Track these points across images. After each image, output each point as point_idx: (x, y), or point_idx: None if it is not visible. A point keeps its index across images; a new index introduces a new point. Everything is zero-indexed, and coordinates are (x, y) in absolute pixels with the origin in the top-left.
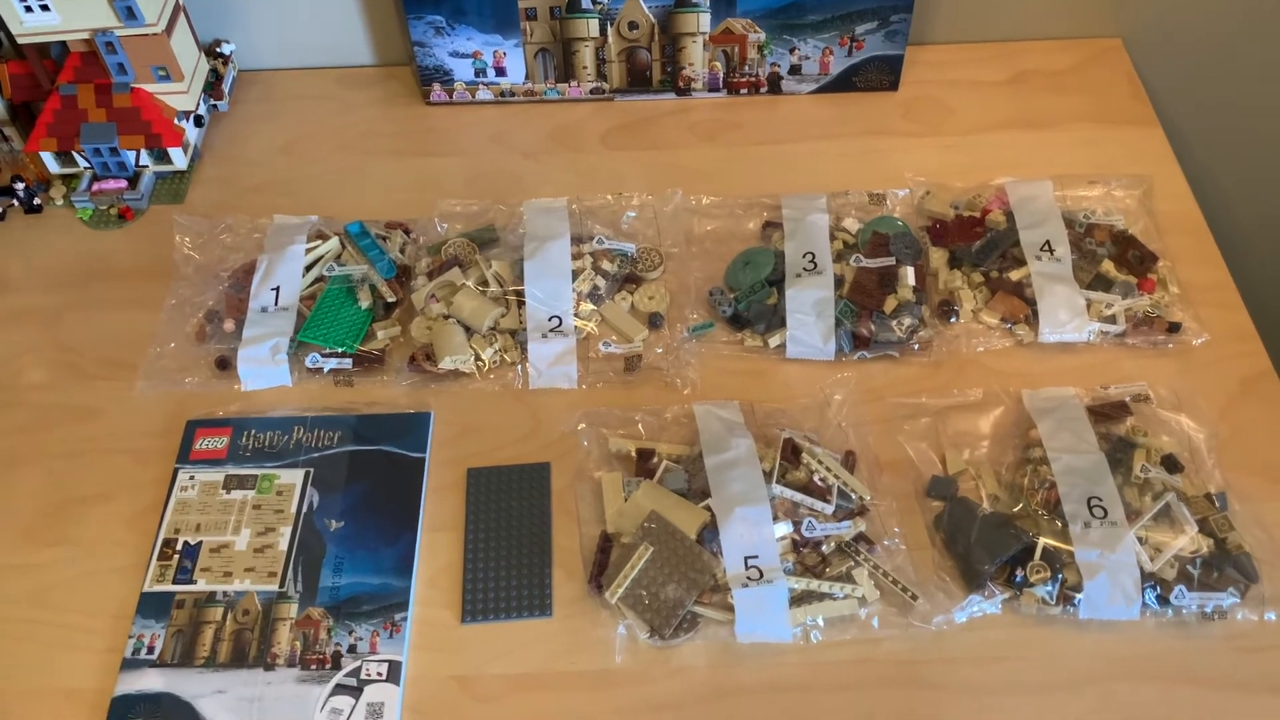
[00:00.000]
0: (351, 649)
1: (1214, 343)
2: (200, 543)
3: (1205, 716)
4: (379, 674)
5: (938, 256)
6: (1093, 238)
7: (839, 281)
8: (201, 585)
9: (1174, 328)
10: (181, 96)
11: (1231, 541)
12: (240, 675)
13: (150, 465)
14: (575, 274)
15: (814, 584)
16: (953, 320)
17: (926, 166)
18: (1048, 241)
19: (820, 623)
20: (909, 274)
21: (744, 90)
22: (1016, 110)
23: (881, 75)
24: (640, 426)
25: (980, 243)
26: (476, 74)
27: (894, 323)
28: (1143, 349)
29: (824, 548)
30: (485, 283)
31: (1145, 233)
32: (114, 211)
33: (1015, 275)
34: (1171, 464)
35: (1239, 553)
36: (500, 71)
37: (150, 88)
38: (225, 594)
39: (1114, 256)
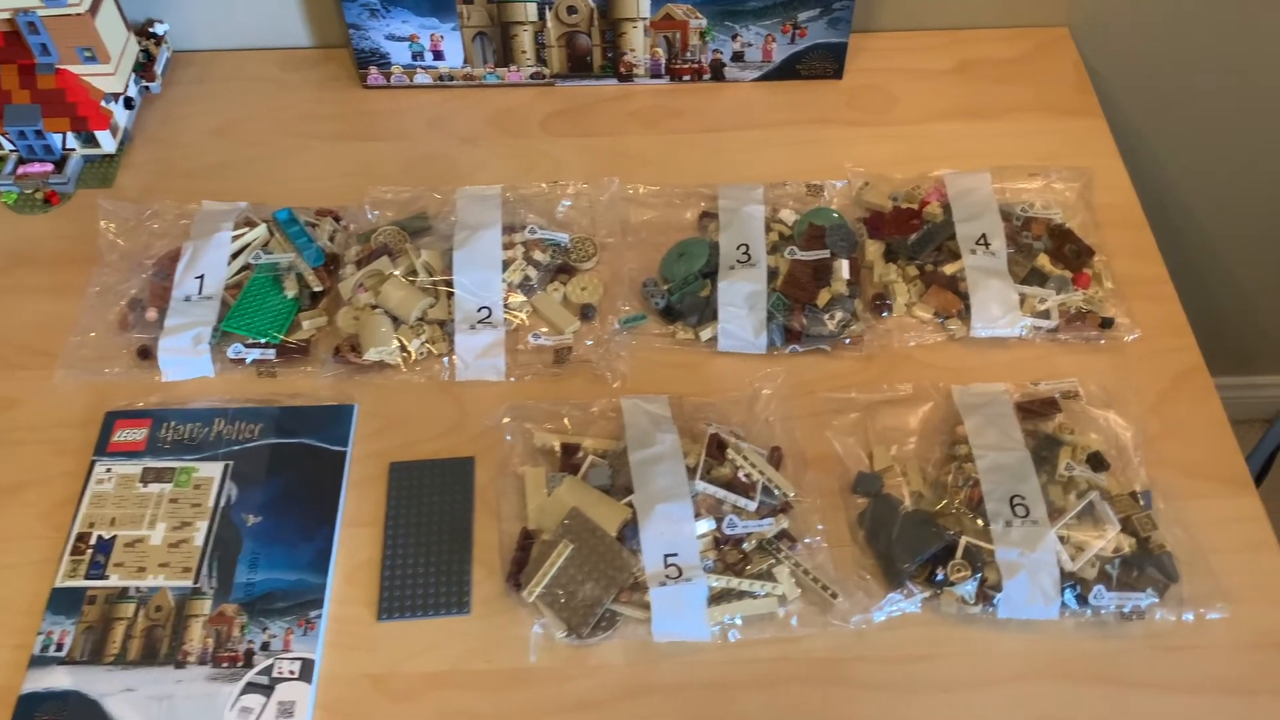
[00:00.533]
0: (264, 646)
1: (1147, 338)
2: (115, 537)
3: (1122, 715)
4: (291, 672)
5: (873, 249)
6: (1030, 231)
7: (773, 274)
8: (114, 581)
9: (1107, 323)
10: (108, 78)
11: (1154, 541)
12: (150, 673)
13: (67, 457)
14: (506, 264)
15: (734, 582)
16: (885, 314)
17: (868, 156)
18: (984, 235)
19: (738, 621)
20: (843, 267)
21: (687, 77)
22: (961, 100)
23: (825, 63)
24: (566, 420)
25: (916, 235)
26: (414, 57)
27: (826, 316)
28: (1076, 344)
29: (745, 545)
30: (415, 272)
31: (1083, 226)
32: (39, 196)
33: (949, 269)
34: (1097, 462)
35: (1160, 552)
36: (438, 55)
37: (76, 69)
38: (138, 590)
39: (1050, 251)
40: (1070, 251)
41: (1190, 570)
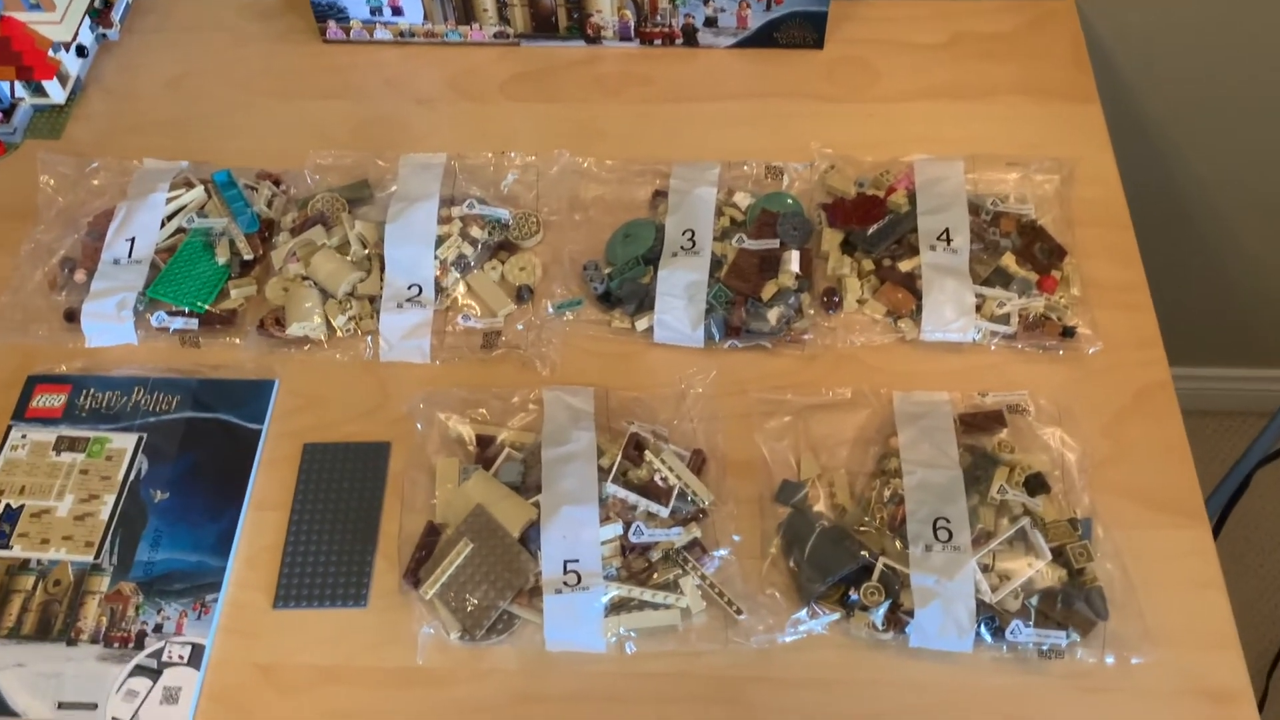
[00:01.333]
0: (158, 628)
1: (1112, 349)
2: (23, 506)
3: None
4: (180, 657)
5: (830, 239)
6: (998, 227)
7: (719, 263)
8: (17, 551)
9: (1068, 332)
10: (55, 27)
11: (1088, 573)
12: (42, 649)
13: None
14: (441, 240)
15: (636, 591)
16: (834, 311)
17: (840, 136)
18: (946, 230)
19: (634, 634)
20: (793, 258)
21: (658, 41)
22: (948, 77)
23: (804, 32)
24: (485, 410)
25: (876, 226)
26: (372, 12)
27: (769, 311)
28: (1033, 353)
29: (652, 554)
30: (349, 243)
31: (1057, 223)
32: None
33: (905, 265)
34: (1036, 484)
35: (1092, 586)
36: (396, 10)
37: (21, 16)
38: (39, 562)
39: (1018, 250)
40: (1040, 251)
41: (1121, 610)
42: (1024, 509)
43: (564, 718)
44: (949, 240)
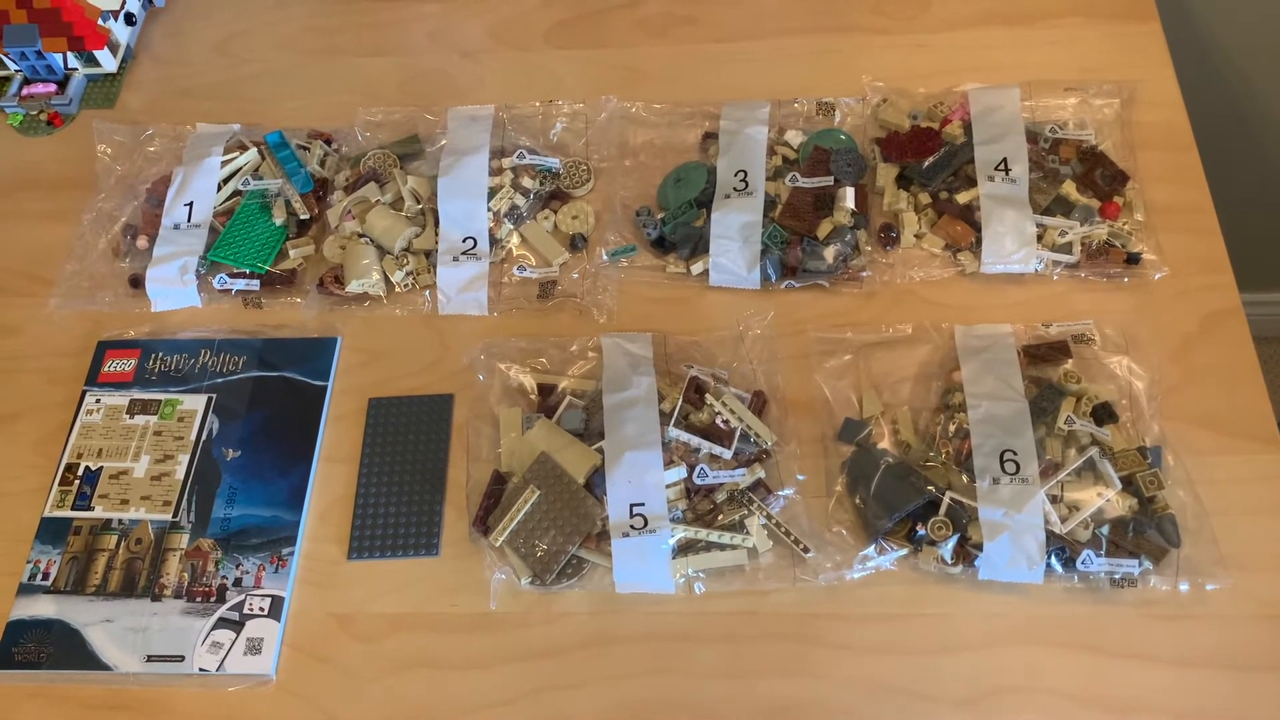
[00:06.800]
0: (237, 582)
1: (1179, 275)
2: (101, 468)
3: (1101, 686)
4: (261, 609)
5: (885, 173)
6: (1057, 155)
7: (773, 203)
8: (99, 512)
9: (1133, 258)
10: None
11: (1159, 501)
12: (128, 605)
13: (61, 386)
14: (493, 191)
15: (703, 533)
16: (892, 247)
17: (892, 68)
18: (1004, 159)
19: (702, 574)
20: (848, 195)
21: None
22: (1000, 2)
23: None
24: (545, 359)
25: (932, 159)
26: None
27: (825, 249)
28: (1097, 282)
29: (717, 495)
30: (403, 199)
31: (1117, 148)
32: (43, 117)
33: (963, 197)
34: (1104, 414)
35: (1163, 514)
36: None
37: None
38: (120, 522)
39: (1079, 176)
40: (1102, 177)
41: (1194, 536)
42: (1092, 439)
43: (636, 658)
44: (1007, 170)
